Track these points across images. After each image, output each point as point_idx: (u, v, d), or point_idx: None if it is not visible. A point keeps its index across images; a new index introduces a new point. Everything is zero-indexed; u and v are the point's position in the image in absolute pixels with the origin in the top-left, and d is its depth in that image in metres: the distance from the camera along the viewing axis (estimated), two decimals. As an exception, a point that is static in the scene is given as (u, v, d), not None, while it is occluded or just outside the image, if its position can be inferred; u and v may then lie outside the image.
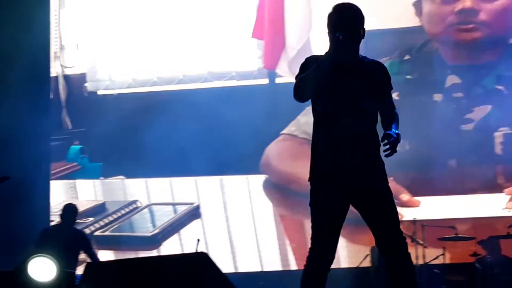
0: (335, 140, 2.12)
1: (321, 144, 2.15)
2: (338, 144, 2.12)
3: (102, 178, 5.16)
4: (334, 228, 2.15)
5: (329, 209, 2.14)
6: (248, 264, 2.89)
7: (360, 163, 2.13)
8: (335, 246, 2.15)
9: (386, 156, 2.12)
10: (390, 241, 2.17)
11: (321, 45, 5.69)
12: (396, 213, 2.20)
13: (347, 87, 2.12)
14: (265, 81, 5.79)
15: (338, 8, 2.16)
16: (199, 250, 2.55)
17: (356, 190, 2.15)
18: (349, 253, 3.05)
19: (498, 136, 3.92)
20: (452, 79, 4.03)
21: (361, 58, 2.19)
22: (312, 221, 2.15)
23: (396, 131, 2.14)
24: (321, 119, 2.15)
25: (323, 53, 2.15)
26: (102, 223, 3.33)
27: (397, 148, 2.09)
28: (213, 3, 5.86)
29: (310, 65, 2.16)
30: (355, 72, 2.14)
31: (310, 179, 2.18)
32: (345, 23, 2.14)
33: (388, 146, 2.10)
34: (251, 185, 4.01)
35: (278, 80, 5.72)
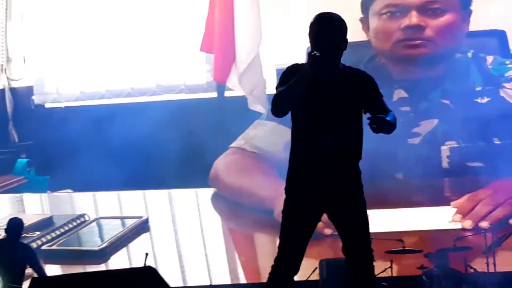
0: (314, 155, 2.10)
1: (300, 158, 2.14)
2: (317, 158, 2.10)
3: (49, 191, 5.12)
4: (303, 238, 2.15)
5: (302, 221, 2.13)
6: (197, 277, 2.89)
7: (339, 179, 2.13)
8: (302, 253, 2.15)
9: (373, 130, 2.10)
10: (359, 254, 2.17)
11: (270, 59, 5.72)
12: (368, 224, 2.21)
13: (327, 102, 2.09)
14: (214, 94, 5.80)
15: (319, 19, 2.09)
16: (147, 264, 2.54)
17: (333, 204, 2.15)
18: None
19: (445, 149, 3.97)
20: (399, 93, 4.07)
21: (342, 69, 2.14)
22: (282, 231, 2.14)
23: (389, 119, 2.13)
24: (301, 133, 2.12)
25: (303, 61, 2.11)
26: (49, 237, 3.28)
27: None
28: (161, 16, 5.86)
29: (290, 75, 2.08)
30: (335, 85, 2.10)
31: (286, 188, 2.18)
32: (325, 35, 2.06)
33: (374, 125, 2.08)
34: (199, 199, 4.00)
35: (227, 94, 5.73)
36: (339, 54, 2.12)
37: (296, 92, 2.04)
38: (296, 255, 2.15)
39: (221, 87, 5.72)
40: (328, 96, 2.08)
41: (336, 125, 2.10)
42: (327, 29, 2.07)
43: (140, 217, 3.49)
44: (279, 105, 2.05)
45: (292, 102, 2.05)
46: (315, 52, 2.04)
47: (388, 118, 2.17)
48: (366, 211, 2.20)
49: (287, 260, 2.14)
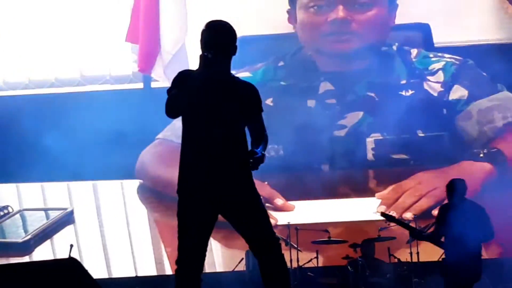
0: (203, 154, 2.14)
1: (190, 158, 2.16)
2: (206, 158, 2.14)
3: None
4: (202, 238, 2.17)
5: (196, 221, 2.16)
6: (122, 269, 2.87)
7: (227, 176, 2.17)
8: (203, 253, 2.17)
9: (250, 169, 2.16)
10: (262, 246, 2.20)
11: (197, 50, 5.69)
12: (267, 217, 2.23)
13: (217, 104, 2.16)
14: (140, 85, 5.75)
15: (210, 26, 2.22)
16: (72, 256, 2.51)
17: (224, 202, 2.17)
18: (224, 258, 3.06)
19: (370, 141, 4.01)
20: (325, 86, 4.09)
21: (232, 77, 2.21)
22: (179, 232, 2.17)
23: (263, 152, 2.18)
24: (191, 134, 2.17)
25: (195, 68, 2.20)
26: (-30, 229, 3.23)
27: (272, 154, 2.13)
28: (86, 6, 5.78)
29: (182, 80, 2.21)
30: (225, 89, 2.16)
31: (178, 191, 2.20)
32: (216, 41, 2.19)
33: (251, 162, 2.14)
34: (125, 190, 3.97)
35: (153, 85, 5.68)
36: (229, 59, 2.17)
37: (189, 91, 2.16)
38: (196, 255, 2.18)
39: (147, 78, 5.67)
40: (216, 102, 2.15)
41: (222, 128, 2.15)
42: (217, 36, 2.19)
43: (65, 209, 3.45)
44: (171, 108, 2.19)
45: (182, 106, 2.17)
46: (206, 53, 2.17)
47: (260, 149, 2.21)
48: (261, 205, 2.22)
49: (188, 261, 2.17)
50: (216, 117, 2.13)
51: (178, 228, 2.12)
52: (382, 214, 2.68)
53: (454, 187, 2.23)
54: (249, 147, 2.20)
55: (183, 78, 2.15)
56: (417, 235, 2.42)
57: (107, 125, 5.10)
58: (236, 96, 2.14)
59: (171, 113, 2.20)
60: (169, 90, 2.16)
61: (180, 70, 2.20)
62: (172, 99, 2.14)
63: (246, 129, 2.22)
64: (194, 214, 2.16)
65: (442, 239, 2.34)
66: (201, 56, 2.12)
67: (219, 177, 2.14)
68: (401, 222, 2.56)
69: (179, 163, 2.18)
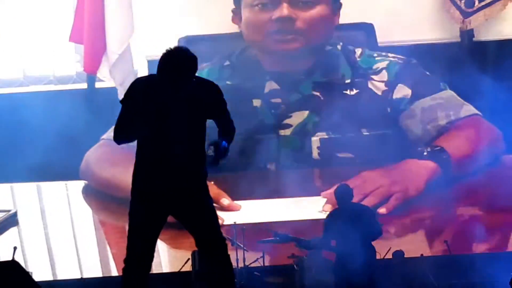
0: (161, 156, 2.11)
1: (147, 159, 2.14)
2: (163, 160, 2.10)
3: None
4: (152, 238, 2.16)
5: (148, 221, 2.14)
6: (67, 271, 2.85)
7: (185, 178, 2.14)
8: (152, 253, 2.16)
9: (209, 164, 2.14)
10: (210, 245, 2.20)
11: (141, 50, 5.68)
12: (216, 217, 2.23)
13: (172, 108, 2.08)
14: (84, 85, 5.71)
15: (169, 53, 2.02)
16: (16, 259, 2.49)
17: (179, 203, 2.16)
18: (170, 258, 3.05)
19: (315, 140, 4.04)
20: (270, 85, 4.11)
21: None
22: (130, 231, 2.16)
23: (226, 146, 2.16)
24: (145, 139, 2.11)
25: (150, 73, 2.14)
26: None
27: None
28: (28, 4, 5.72)
29: (137, 92, 2.08)
30: (181, 94, 2.11)
31: (132, 191, 2.17)
32: (174, 69, 2.01)
33: (212, 155, 2.13)
34: (70, 191, 3.94)
35: (98, 85, 5.65)
36: (188, 83, 2.09)
37: (132, 122, 2.06)
38: (146, 255, 2.17)
39: (91, 78, 5.64)
40: (173, 103, 2.09)
41: (179, 131, 2.11)
42: (176, 64, 2.03)
43: (8, 211, 3.41)
44: (120, 133, 2.10)
45: (132, 128, 2.07)
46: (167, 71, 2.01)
47: (224, 143, 2.18)
48: (212, 205, 2.22)
49: (137, 260, 2.16)
50: (176, 118, 2.10)
51: (129, 227, 2.11)
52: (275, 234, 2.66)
53: (339, 193, 2.27)
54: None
55: (138, 88, 2.09)
56: (304, 245, 2.45)
57: (51, 126, 5.06)
58: (197, 96, 2.11)
59: (122, 135, 2.12)
60: (122, 101, 2.10)
61: (132, 81, 2.13)
62: (121, 123, 2.08)
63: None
64: (147, 214, 2.14)
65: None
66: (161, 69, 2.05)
67: (176, 178, 2.13)
68: (288, 237, 2.56)
69: (131, 163, 2.16)
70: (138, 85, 2.12)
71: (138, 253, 2.16)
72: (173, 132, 2.11)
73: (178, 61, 2.04)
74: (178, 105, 2.09)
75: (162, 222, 2.19)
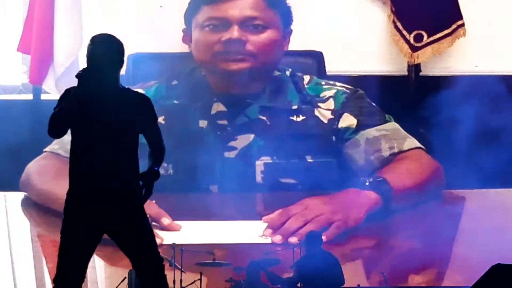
0: (93, 171, 2.07)
1: (79, 174, 2.10)
2: (96, 175, 2.05)
3: None
4: (84, 258, 2.12)
5: (81, 240, 2.09)
6: (1, 285, 2.79)
7: (118, 196, 2.11)
8: (84, 274, 2.12)
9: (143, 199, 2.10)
10: (146, 266, 2.17)
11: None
12: (153, 237, 2.20)
13: (102, 119, 2.03)
14: (30, 96, 5.66)
15: (96, 40, 2.04)
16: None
17: (111, 223, 2.12)
18: (107, 276, 3.02)
19: (259, 164, 4.04)
20: (217, 107, 4.11)
21: (122, 88, 2.08)
22: (61, 250, 2.11)
23: (156, 168, 2.13)
24: (80, 149, 2.05)
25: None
26: None
27: (161, 172, 2.09)
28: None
29: (68, 96, 2.02)
30: (111, 104, 2.04)
31: (65, 208, 2.13)
32: (104, 54, 2.01)
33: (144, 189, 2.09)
34: (8, 203, 3.88)
35: (44, 97, 5.60)
36: (114, 73, 2.08)
37: (67, 114, 2.01)
38: (77, 276, 2.13)
39: (37, 90, 5.58)
40: (103, 114, 2.06)
41: (111, 142, 2.07)
42: (102, 49, 2.03)
43: None
44: (53, 126, 2.03)
45: (65, 123, 2.02)
46: (79, 73, 2.03)
47: (154, 167, 2.16)
48: (148, 225, 2.18)
49: (68, 281, 2.12)
50: (108, 130, 2.07)
51: (60, 245, 2.07)
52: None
53: (310, 239, 2.29)
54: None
55: (69, 95, 2.06)
56: (276, 281, 2.46)
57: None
58: (128, 106, 2.08)
59: (54, 131, 2.06)
60: (55, 108, 2.07)
61: (67, 88, 2.11)
62: (55, 116, 2.04)
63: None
64: (79, 233, 2.09)
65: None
66: (77, 75, 2.05)
67: (109, 196, 2.09)
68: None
69: (67, 178, 2.12)
70: (68, 92, 2.05)
71: (68, 273, 2.11)
72: (101, 142, 2.06)
73: (105, 45, 2.02)
74: (107, 112, 2.05)
75: (96, 241, 2.14)
